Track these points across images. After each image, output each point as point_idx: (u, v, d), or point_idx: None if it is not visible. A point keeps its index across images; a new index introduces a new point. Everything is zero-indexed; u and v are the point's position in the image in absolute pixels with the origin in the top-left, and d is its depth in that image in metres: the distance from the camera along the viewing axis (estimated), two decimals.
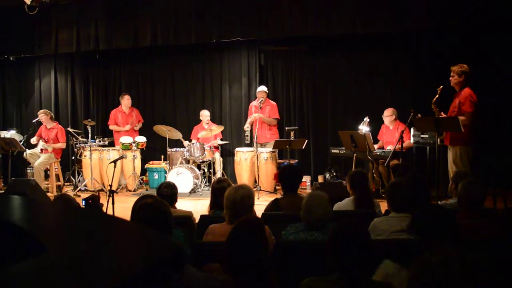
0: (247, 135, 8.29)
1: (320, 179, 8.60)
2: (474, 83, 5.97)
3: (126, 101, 9.05)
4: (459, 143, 5.83)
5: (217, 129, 8.60)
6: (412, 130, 7.15)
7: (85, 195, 7.51)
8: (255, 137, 7.89)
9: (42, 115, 8.51)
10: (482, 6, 7.10)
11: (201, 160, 8.36)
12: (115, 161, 6.70)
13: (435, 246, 2.33)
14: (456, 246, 2.34)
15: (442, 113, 5.96)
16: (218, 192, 3.77)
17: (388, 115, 7.64)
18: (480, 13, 7.13)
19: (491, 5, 7.08)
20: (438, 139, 5.86)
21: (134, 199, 3.04)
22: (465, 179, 3.47)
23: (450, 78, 5.94)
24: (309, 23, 7.90)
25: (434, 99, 5.89)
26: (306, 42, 8.83)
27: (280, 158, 8.57)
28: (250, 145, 8.34)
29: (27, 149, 8.38)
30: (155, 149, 9.44)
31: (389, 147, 7.35)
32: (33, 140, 8.59)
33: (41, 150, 8.47)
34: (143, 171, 9.05)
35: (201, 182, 8.25)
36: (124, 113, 9.10)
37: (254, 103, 8.46)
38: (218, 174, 8.59)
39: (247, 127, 8.34)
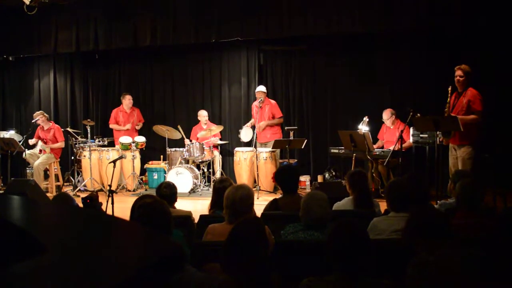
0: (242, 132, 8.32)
1: (320, 178, 8.60)
2: (476, 82, 5.97)
3: (127, 101, 9.05)
4: (467, 142, 5.83)
5: (217, 129, 8.61)
6: (411, 129, 7.15)
7: (84, 195, 7.49)
8: (255, 137, 7.89)
9: (40, 117, 8.50)
10: (482, 5, 7.10)
11: (200, 160, 8.35)
12: (114, 161, 6.69)
13: (431, 247, 2.33)
14: (452, 246, 2.34)
15: (451, 113, 5.94)
16: (220, 192, 3.75)
17: (387, 118, 7.65)
18: (480, 12, 7.13)
19: (491, 5, 7.08)
20: (438, 139, 5.87)
21: (133, 199, 3.03)
22: (463, 179, 3.48)
23: (459, 78, 5.86)
24: (308, 23, 7.89)
25: (449, 99, 5.89)
26: (306, 42, 8.83)
27: (281, 157, 8.57)
28: (249, 144, 8.34)
29: (26, 150, 8.38)
30: (154, 149, 9.44)
31: (391, 147, 7.36)
32: (32, 141, 8.59)
33: (40, 151, 8.47)
34: (143, 171, 9.05)
35: (200, 182, 8.26)
36: (125, 113, 9.10)
37: (255, 103, 8.45)
38: (218, 174, 8.60)
39: (248, 125, 8.33)
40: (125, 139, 8.52)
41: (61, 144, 8.56)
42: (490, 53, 7.71)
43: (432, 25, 7.53)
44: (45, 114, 8.67)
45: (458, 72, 5.87)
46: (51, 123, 8.67)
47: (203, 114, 8.92)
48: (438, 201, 4.69)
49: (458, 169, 5.74)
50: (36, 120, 8.53)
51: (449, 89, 5.89)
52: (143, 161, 9.01)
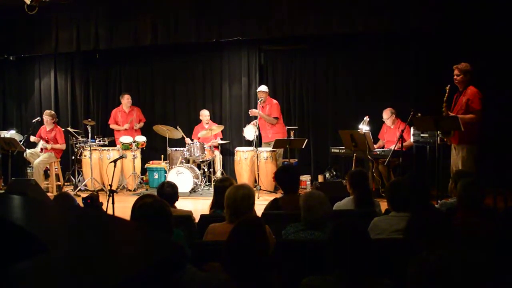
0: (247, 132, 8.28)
1: (320, 178, 8.60)
2: (476, 82, 5.96)
3: (126, 100, 9.07)
4: (467, 142, 5.81)
5: (217, 129, 8.61)
6: (412, 129, 7.15)
7: (85, 194, 7.50)
8: (255, 137, 7.89)
9: (47, 117, 8.50)
10: (482, 5, 7.10)
11: (201, 160, 8.36)
12: (115, 161, 6.69)
13: (432, 247, 2.33)
14: (453, 246, 2.34)
15: (449, 112, 5.94)
16: (220, 191, 3.75)
17: (387, 117, 7.65)
18: (480, 12, 7.12)
19: (492, 5, 7.08)
20: (438, 138, 5.86)
21: (134, 198, 3.04)
22: (464, 179, 3.48)
23: (456, 77, 5.88)
24: (309, 23, 7.89)
25: (445, 97, 5.88)
26: (306, 42, 8.83)
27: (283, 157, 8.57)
28: (251, 143, 8.34)
29: (27, 149, 8.38)
30: (155, 149, 9.45)
31: (392, 147, 7.36)
32: (33, 138, 8.59)
33: (41, 149, 8.48)
34: (143, 171, 9.06)
35: (201, 182, 8.26)
36: (124, 112, 9.11)
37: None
38: (218, 174, 8.60)
39: (253, 123, 8.30)
40: (125, 139, 8.52)
41: (61, 146, 8.58)
42: (491, 52, 7.69)
43: (432, 24, 7.52)
44: (54, 116, 8.68)
45: (455, 71, 5.88)
46: (54, 124, 8.67)
47: (205, 114, 8.92)
48: (439, 201, 4.69)
49: (459, 168, 5.73)
50: (37, 119, 8.54)
51: (447, 88, 5.87)
52: (144, 160, 9.02)
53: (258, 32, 8.27)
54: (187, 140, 8.69)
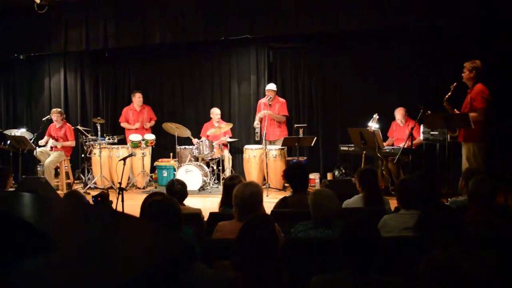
0: (257, 132, 8.27)
1: (329, 176, 8.57)
2: (487, 79, 5.90)
3: (137, 99, 9.09)
4: (472, 139, 5.77)
5: (226, 127, 8.61)
6: (422, 127, 7.11)
7: (94, 192, 7.54)
8: (264, 134, 7.89)
9: (55, 115, 8.53)
10: (483, 5, 7.04)
11: (210, 158, 8.36)
12: (124, 159, 6.72)
13: (443, 245, 2.32)
14: (464, 244, 2.33)
15: (455, 110, 5.89)
16: (229, 189, 3.73)
17: (401, 117, 7.63)
18: (485, 9, 7.06)
19: (493, 4, 7.01)
20: (448, 136, 5.82)
21: (143, 196, 3.05)
22: (476, 176, 3.45)
23: (463, 74, 5.88)
24: (317, 20, 7.86)
25: (446, 96, 5.84)
26: (315, 39, 8.80)
27: (289, 155, 8.56)
28: (259, 142, 8.34)
29: (37, 147, 8.43)
30: (164, 147, 9.47)
31: (401, 145, 7.32)
32: (42, 142, 8.64)
33: (51, 148, 8.53)
34: (152, 169, 9.08)
35: (210, 180, 8.27)
36: (135, 111, 9.13)
37: (262, 100, 8.45)
38: (227, 172, 8.60)
39: (256, 123, 8.34)
40: (135, 137, 8.55)
41: (71, 143, 8.61)
42: (501, 49, 7.61)
43: (442, 21, 7.46)
44: (62, 113, 8.73)
45: (464, 68, 5.86)
46: (63, 121, 8.71)
47: (215, 112, 8.93)
48: (449, 199, 4.66)
49: (465, 165, 5.70)
50: (47, 117, 8.58)
51: (452, 86, 5.83)
52: (153, 158, 9.04)
53: (266, 30, 8.26)
54: (194, 140, 8.69)
